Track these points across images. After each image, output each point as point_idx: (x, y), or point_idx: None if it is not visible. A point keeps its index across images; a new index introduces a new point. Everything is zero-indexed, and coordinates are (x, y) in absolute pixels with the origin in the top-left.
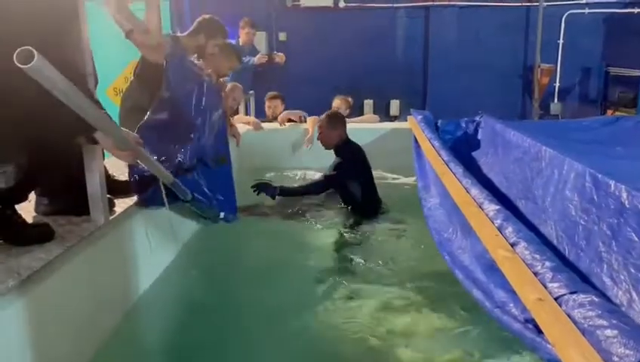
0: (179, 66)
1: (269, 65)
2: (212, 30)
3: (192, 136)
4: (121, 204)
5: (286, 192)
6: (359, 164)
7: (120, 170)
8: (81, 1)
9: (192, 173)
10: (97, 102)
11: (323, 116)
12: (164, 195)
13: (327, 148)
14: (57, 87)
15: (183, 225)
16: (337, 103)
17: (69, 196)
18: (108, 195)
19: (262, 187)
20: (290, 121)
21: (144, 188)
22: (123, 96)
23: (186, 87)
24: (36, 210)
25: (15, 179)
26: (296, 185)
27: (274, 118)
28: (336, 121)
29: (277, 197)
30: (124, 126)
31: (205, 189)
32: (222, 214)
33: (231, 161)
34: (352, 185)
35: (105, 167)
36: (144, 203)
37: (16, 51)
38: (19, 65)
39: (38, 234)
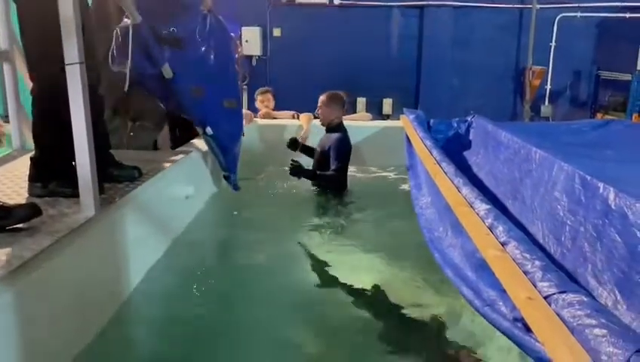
0: None
1: None
2: None
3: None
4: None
5: (312, 177)
6: (350, 151)
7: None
8: None
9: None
10: None
11: (325, 94)
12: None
13: (323, 124)
14: None
15: (174, 219)
16: None
17: (61, 180)
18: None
19: (298, 171)
20: None
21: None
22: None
23: None
24: (30, 193)
25: None
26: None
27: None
28: (335, 100)
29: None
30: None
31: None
32: (209, 129)
33: (241, 110)
34: (344, 171)
35: (112, 155)
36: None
37: None
38: None
39: (23, 212)
